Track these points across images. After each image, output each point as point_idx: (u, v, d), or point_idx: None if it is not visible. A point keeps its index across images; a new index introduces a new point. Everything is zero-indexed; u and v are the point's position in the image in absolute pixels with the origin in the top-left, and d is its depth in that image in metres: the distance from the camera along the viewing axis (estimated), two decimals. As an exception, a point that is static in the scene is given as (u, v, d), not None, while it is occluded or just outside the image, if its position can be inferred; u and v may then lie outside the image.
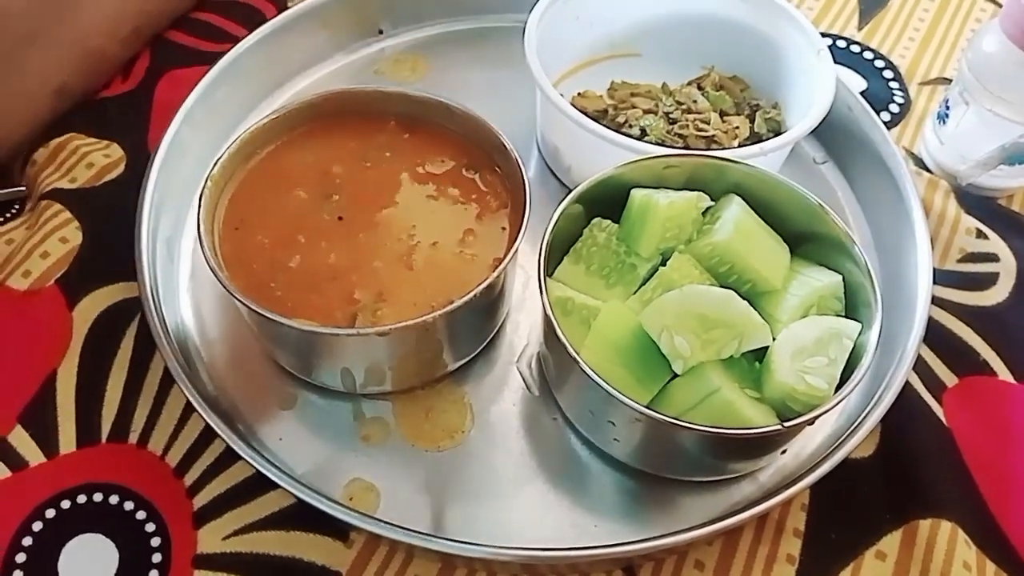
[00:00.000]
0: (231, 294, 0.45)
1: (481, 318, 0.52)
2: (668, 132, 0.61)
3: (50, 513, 0.48)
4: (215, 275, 0.46)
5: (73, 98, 0.64)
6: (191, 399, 0.47)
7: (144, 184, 0.56)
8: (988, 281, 0.60)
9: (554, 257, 0.50)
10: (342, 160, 0.53)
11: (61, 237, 0.57)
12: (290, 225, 0.50)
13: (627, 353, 0.45)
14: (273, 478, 0.45)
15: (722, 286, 0.48)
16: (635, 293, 0.49)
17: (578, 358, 0.43)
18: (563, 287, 0.49)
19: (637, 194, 0.50)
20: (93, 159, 0.61)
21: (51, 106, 0.63)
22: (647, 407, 0.42)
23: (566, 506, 0.49)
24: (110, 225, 0.57)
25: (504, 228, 0.51)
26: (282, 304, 0.47)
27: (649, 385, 0.45)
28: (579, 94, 0.66)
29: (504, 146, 0.52)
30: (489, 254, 0.50)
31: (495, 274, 0.46)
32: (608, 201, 0.51)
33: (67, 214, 0.58)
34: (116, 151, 0.62)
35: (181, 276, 0.57)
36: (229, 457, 0.49)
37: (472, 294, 0.45)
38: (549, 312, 0.45)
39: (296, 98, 0.56)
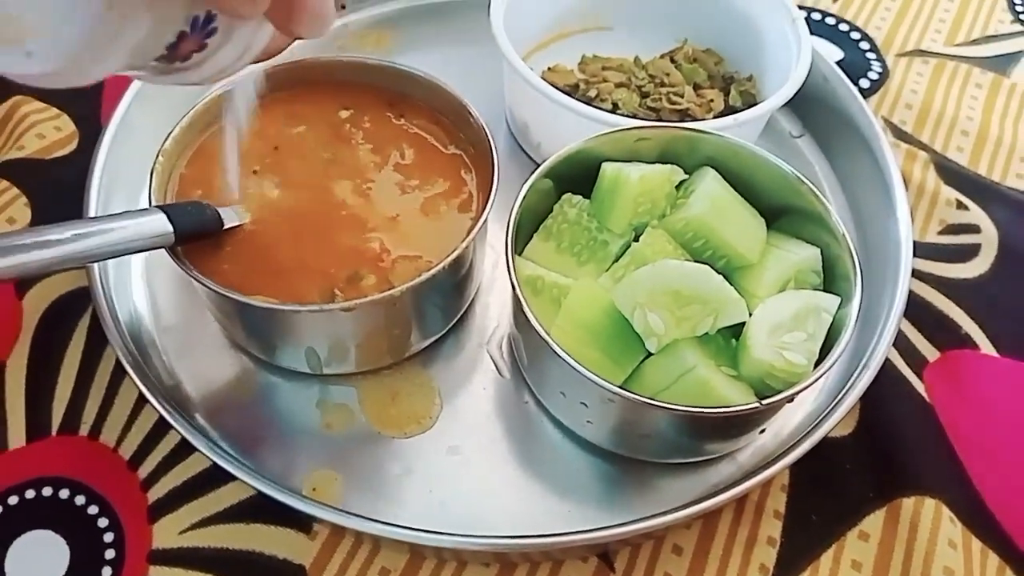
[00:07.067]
0: (188, 274, 0.43)
1: (449, 295, 0.50)
2: (640, 106, 0.60)
3: (-3, 510, 0.45)
4: (172, 258, 0.44)
5: None
6: (143, 390, 0.45)
7: (92, 163, 0.53)
8: (969, 252, 0.59)
9: (524, 235, 0.49)
10: (300, 132, 0.51)
11: (8, 217, 0.54)
12: (248, 200, 0.48)
13: (599, 332, 0.43)
14: (231, 470, 0.43)
15: (697, 262, 0.46)
16: (607, 270, 0.47)
17: (548, 338, 0.41)
18: (533, 265, 0.47)
19: (608, 168, 0.48)
20: (43, 130, 0.58)
21: None
22: (620, 387, 0.40)
23: (538, 492, 0.47)
24: (61, 206, 0.54)
25: (472, 200, 0.49)
26: (242, 283, 0.44)
27: (622, 365, 0.43)
28: (549, 68, 0.64)
29: (469, 113, 0.50)
30: (457, 228, 0.48)
31: (463, 245, 0.45)
32: (579, 176, 0.49)
33: (15, 190, 0.55)
34: (67, 124, 0.59)
35: (135, 262, 0.54)
36: (185, 448, 0.47)
37: (440, 266, 0.44)
38: (518, 290, 0.43)
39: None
